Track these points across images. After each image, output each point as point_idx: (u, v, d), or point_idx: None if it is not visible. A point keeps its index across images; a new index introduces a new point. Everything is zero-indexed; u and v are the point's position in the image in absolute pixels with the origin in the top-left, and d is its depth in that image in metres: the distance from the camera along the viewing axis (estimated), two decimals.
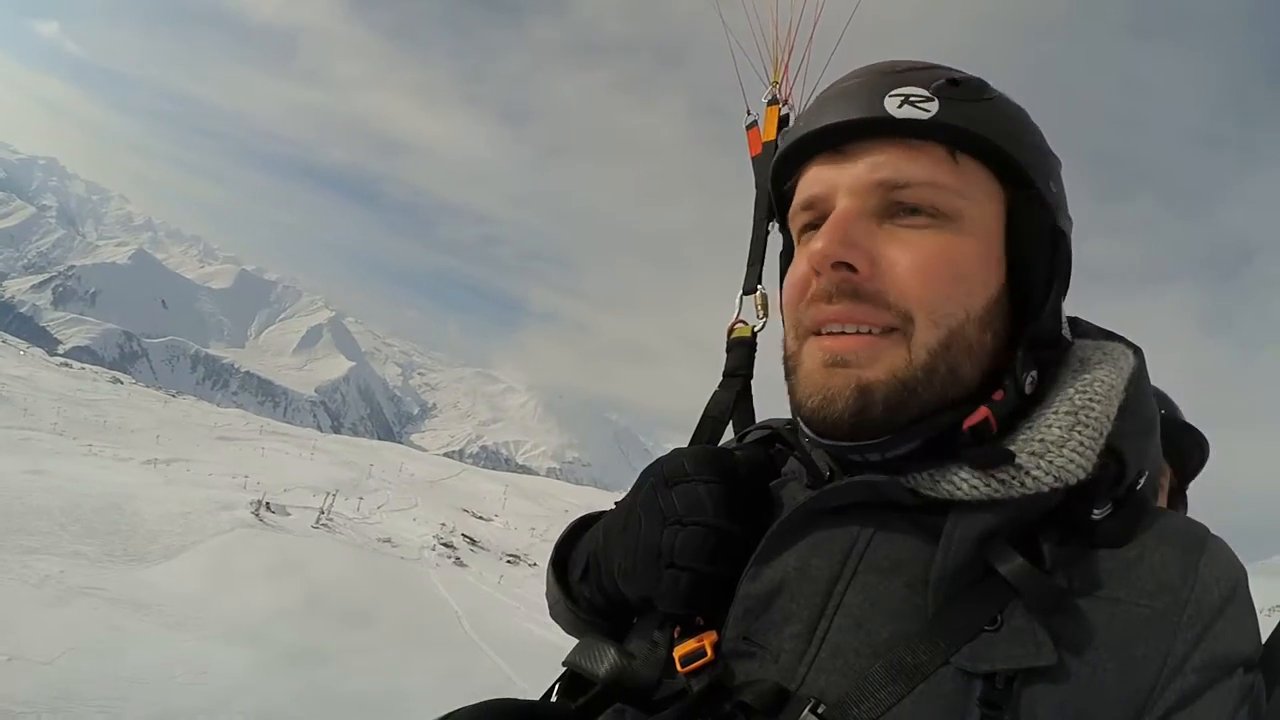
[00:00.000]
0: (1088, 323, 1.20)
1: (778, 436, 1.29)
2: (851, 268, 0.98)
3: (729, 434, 1.50)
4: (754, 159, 1.77)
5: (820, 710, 0.91)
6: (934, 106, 0.99)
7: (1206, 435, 2.44)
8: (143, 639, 15.65)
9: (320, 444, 72.08)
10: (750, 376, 1.58)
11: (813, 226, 1.08)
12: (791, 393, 1.09)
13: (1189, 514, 2.48)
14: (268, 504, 25.77)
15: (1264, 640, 0.96)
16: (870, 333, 0.99)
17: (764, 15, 1.80)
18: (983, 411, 0.99)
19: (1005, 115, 1.04)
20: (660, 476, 1.16)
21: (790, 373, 1.09)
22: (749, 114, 1.80)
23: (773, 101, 1.76)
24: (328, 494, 30.29)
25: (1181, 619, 0.90)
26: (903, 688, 0.90)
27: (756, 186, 1.73)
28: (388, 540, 31.04)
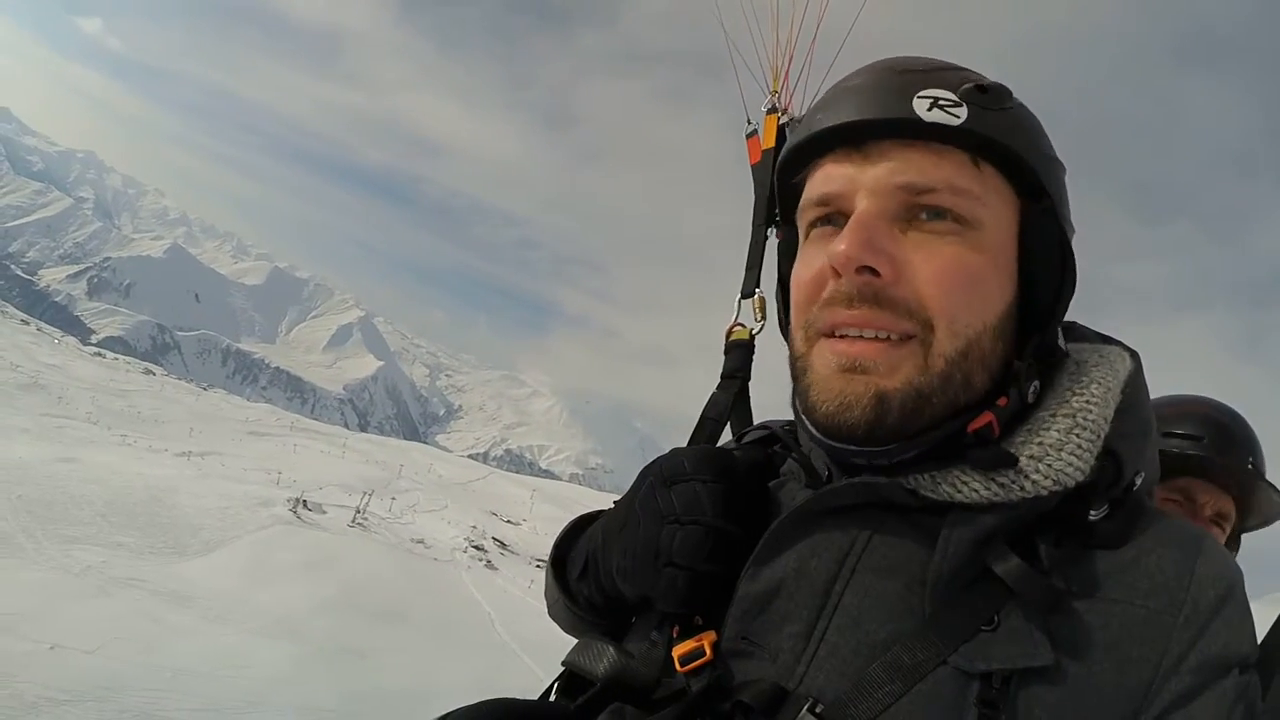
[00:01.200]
0: (1084, 327, 1.21)
1: (776, 437, 1.31)
2: (875, 272, 0.97)
3: (727, 435, 1.53)
4: (754, 167, 1.78)
5: (818, 709, 0.92)
6: (963, 113, 0.98)
7: None
8: (184, 631, 15.72)
9: (350, 443, 72.60)
10: (748, 378, 1.60)
11: (825, 222, 1.07)
12: (801, 395, 1.07)
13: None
14: (304, 501, 25.91)
15: (1260, 641, 0.98)
16: (888, 339, 0.98)
17: (764, 24, 1.81)
18: (987, 416, 1.00)
19: (1025, 125, 1.03)
20: (659, 475, 1.16)
21: (799, 375, 1.08)
22: (749, 123, 1.80)
23: (772, 110, 1.76)
24: (363, 494, 30.41)
25: (1178, 620, 0.91)
26: (900, 687, 0.91)
27: (756, 193, 1.75)
28: (420, 541, 31.15)
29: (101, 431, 41.59)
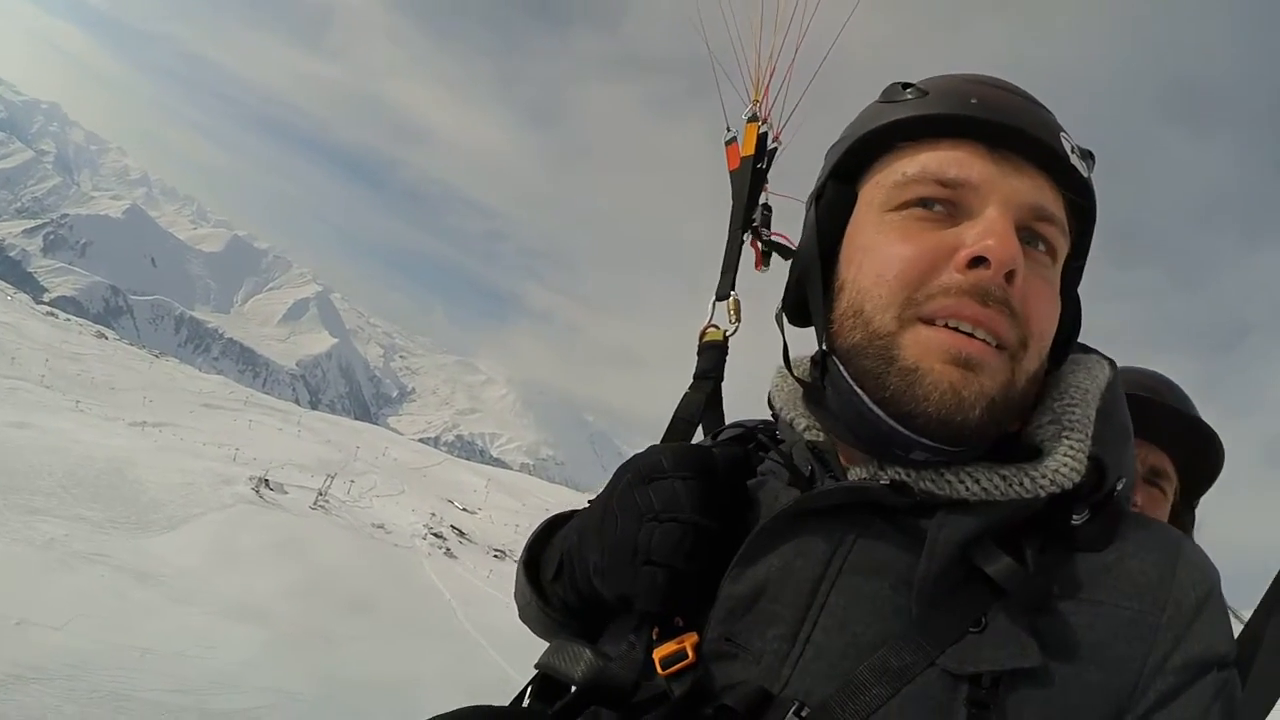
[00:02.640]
0: None
1: (751, 436, 1.33)
2: (1012, 279, 0.98)
3: (700, 436, 1.52)
4: (732, 173, 1.82)
5: (804, 713, 0.91)
6: (1086, 169, 1.06)
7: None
8: (151, 610, 15.49)
9: (305, 421, 71.51)
10: (721, 379, 1.62)
11: (928, 205, 1.05)
12: (878, 376, 1.02)
13: (1204, 537, 2.23)
14: (267, 481, 25.57)
15: (1237, 636, 1.01)
16: (994, 345, 0.99)
17: (746, 35, 1.84)
18: (1018, 424, 1.06)
19: (1094, 192, 1.10)
20: (637, 472, 1.14)
21: (883, 359, 1.02)
22: (729, 130, 1.85)
23: (752, 118, 1.80)
24: (326, 476, 30.11)
25: (1161, 621, 0.92)
26: (888, 690, 0.90)
27: (734, 199, 1.78)
28: (381, 526, 30.87)
29: (55, 396, 40.52)
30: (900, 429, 1.00)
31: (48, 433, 24.23)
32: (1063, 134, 1.05)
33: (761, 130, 1.79)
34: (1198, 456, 2.18)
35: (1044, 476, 0.97)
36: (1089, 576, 0.96)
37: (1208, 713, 0.90)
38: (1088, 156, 1.07)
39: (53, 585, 15.05)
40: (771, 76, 1.79)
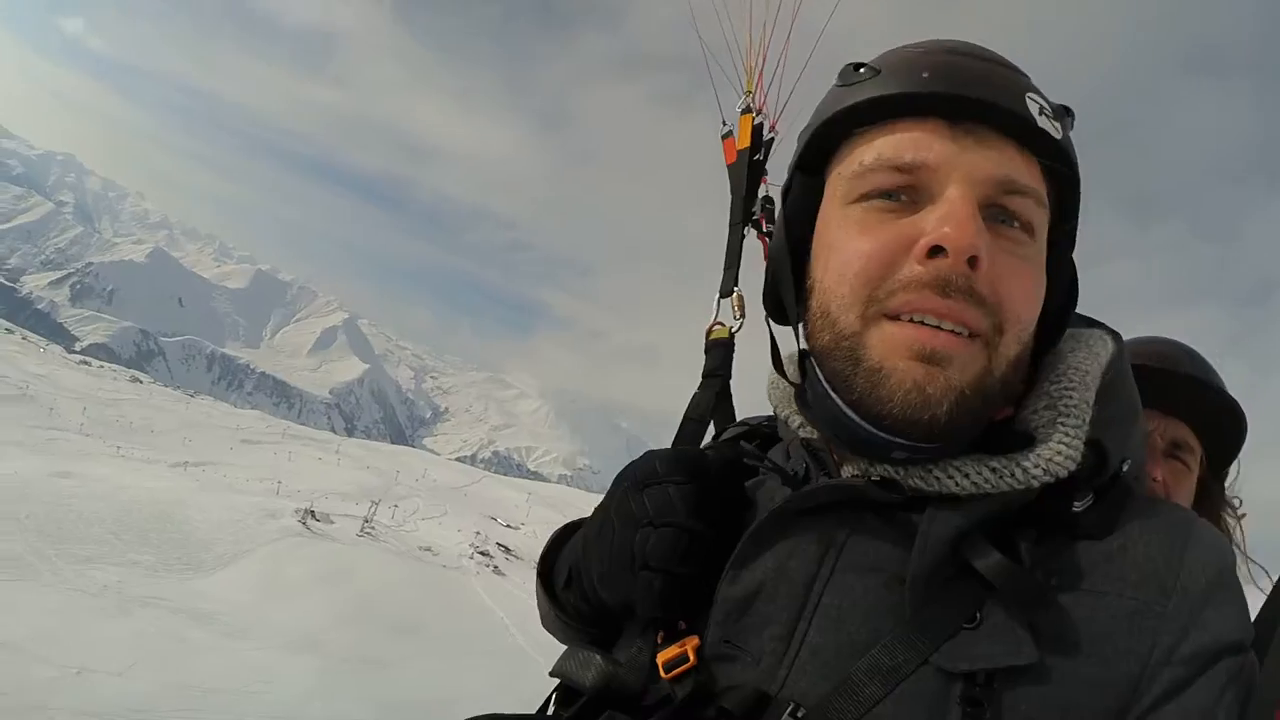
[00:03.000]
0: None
1: (757, 434, 1.32)
2: (976, 264, 0.93)
3: (711, 434, 1.53)
4: (729, 167, 1.79)
5: (800, 714, 0.91)
6: (1059, 127, 0.98)
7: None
8: (208, 648, 15.64)
9: (343, 448, 72.18)
10: (729, 377, 1.61)
11: (889, 195, 1.00)
12: (847, 378, 1.00)
13: (1238, 514, 2.24)
14: (312, 512, 25.80)
15: (1256, 617, 0.97)
16: (964, 334, 0.95)
17: (739, 23, 1.80)
18: (1008, 410, 1.04)
19: (1074, 151, 1.04)
20: (633, 480, 1.15)
21: (850, 360, 0.99)
22: (724, 124, 1.81)
23: (746, 110, 1.75)
24: (370, 502, 30.33)
25: (1167, 609, 0.89)
26: (883, 689, 0.89)
27: (732, 193, 1.75)
28: (428, 549, 31.01)
29: (95, 443, 41.14)
30: (874, 431, 0.99)
31: (92, 480, 24.60)
32: (1030, 95, 0.97)
33: (757, 121, 1.75)
34: (1219, 425, 2.11)
35: (1036, 466, 0.94)
36: (1090, 566, 0.93)
37: (1219, 701, 0.85)
38: (1063, 114, 1.01)
39: (110, 632, 15.23)
40: (764, 64, 1.75)
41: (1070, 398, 0.99)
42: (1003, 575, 0.89)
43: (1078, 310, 1.14)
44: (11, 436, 36.06)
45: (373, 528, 27.63)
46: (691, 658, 1.00)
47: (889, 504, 1.00)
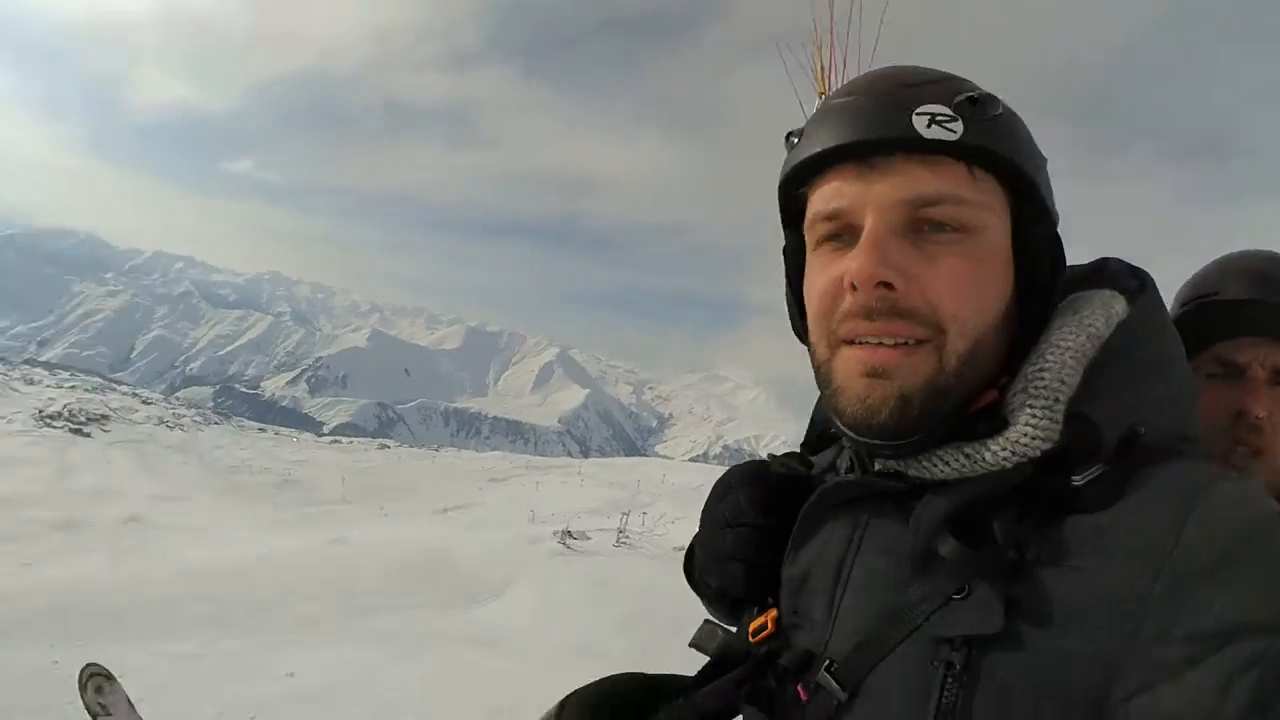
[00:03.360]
0: (1117, 262, 1.23)
1: (834, 439, 1.41)
2: (890, 286, 1.03)
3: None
4: None
5: (833, 669, 1.08)
6: (958, 126, 1.03)
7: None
8: (495, 672, 15.83)
9: (583, 470, 74.17)
10: None
11: (834, 238, 1.11)
12: (829, 401, 1.14)
13: None
14: (569, 532, 26.25)
15: None
16: (905, 344, 1.04)
17: (817, 23, 1.78)
18: (990, 394, 1.09)
19: (1014, 130, 1.09)
20: (715, 491, 1.40)
21: (825, 381, 1.14)
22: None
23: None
24: (621, 514, 30.60)
25: (1153, 590, 0.88)
26: (883, 651, 1.03)
27: None
28: (680, 548, 30.96)
29: (359, 509, 43.99)
30: (855, 436, 1.10)
31: (362, 541, 26.04)
32: (919, 110, 1.04)
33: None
34: None
35: (1003, 450, 1.02)
36: (1078, 541, 0.96)
37: (1227, 689, 0.81)
38: (968, 107, 1.04)
39: (403, 671, 15.67)
40: (832, 56, 1.73)
41: (1041, 379, 1.04)
42: (961, 558, 0.98)
43: (1118, 258, 1.23)
44: (285, 517, 39.26)
45: (627, 537, 27.68)
46: (770, 626, 1.22)
47: (902, 491, 1.10)
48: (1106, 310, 1.11)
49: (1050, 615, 0.92)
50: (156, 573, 21.37)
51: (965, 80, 1.09)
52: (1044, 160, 1.14)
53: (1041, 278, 1.11)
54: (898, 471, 1.11)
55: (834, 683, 1.08)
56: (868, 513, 1.15)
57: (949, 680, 0.95)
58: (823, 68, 1.72)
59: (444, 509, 43.55)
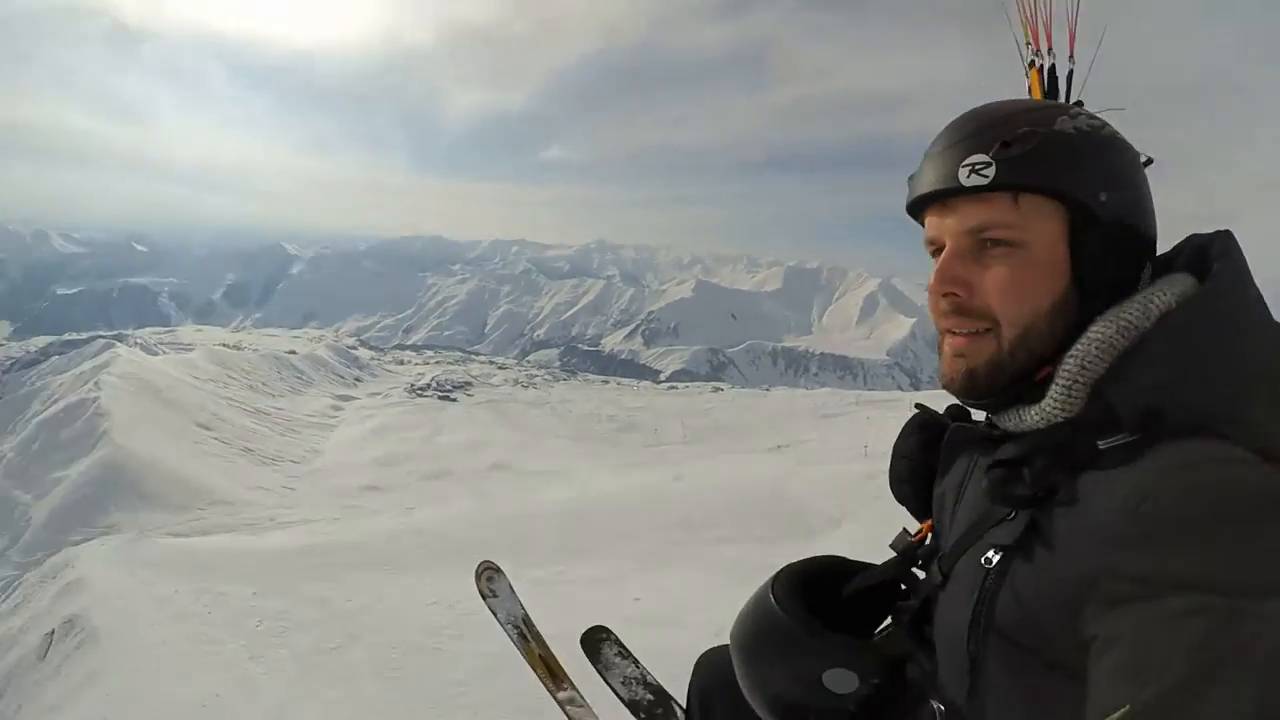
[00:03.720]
0: (1194, 240, 1.37)
1: None
2: (956, 294, 1.35)
3: None
4: None
5: (944, 566, 1.40)
6: (991, 171, 1.29)
7: None
8: None
9: (915, 403, 71.94)
10: None
11: (936, 254, 1.41)
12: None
13: None
14: None
15: None
16: (974, 333, 1.35)
17: None
18: (1046, 370, 1.32)
19: (1053, 153, 1.29)
20: (902, 432, 1.71)
21: (939, 354, 1.46)
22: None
23: (1031, 64, 1.68)
24: None
25: (1117, 531, 1.07)
26: (963, 550, 1.34)
27: None
28: None
29: (697, 447, 45.86)
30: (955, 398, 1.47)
31: (703, 477, 26.91)
32: (964, 164, 1.31)
33: (1046, 64, 1.64)
34: None
35: (1036, 415, 1.30)
36: (1088, 489, 1.16)
37: (1164, 633, 0.95)
38: (1002, 150, 1.28)
39: (741, 597, 16.05)
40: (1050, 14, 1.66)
41: (1067, 364, 1.26)
42: (993, 492, 1.26)
43: (1198, 235, 1.37)
44: (631, 458, 41.91)
45: None
46: (925, 532, 1.60)
47: (992, 439, 1.41)
48: (1145, 305, 1.26)
49: (1054, 541, 1.16)
50: (518, 510, 23.60)
51: (1033, 113, 1.33)
52: (1116, 163, 1.31)
53: (1102, 272, 1.30)
54: (991, 422, 1.43)
55: (938, 570, 1.43)
56: (978, 452, 1.46)
57: (988, 576, 1.24)
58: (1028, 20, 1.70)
59: (777, 446, 44.02)
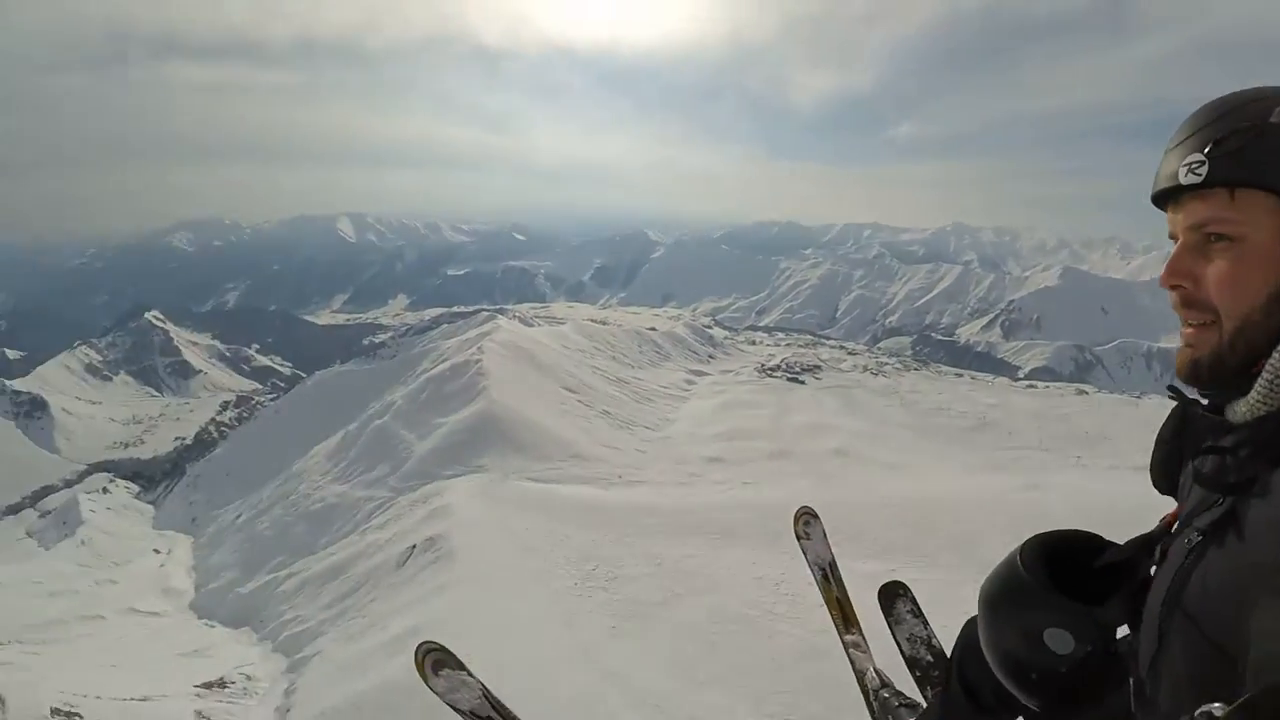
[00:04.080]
0: None
1: None
2: (1182, 287, 1.39)
3: None
4: None
5: (1164, 546, 1.45)
6: (1204, 170, 1.32)
7: None
8: None
9: None
10: None
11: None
12: None
13: None
14: None
15: None
16: (1201, 325, 1.37)
17: None
18: (1261, 363, 1.32)
19: (1267, 146, 1.30)
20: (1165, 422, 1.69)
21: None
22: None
23: None
24: None
25: None
26: (1178, 533, 1.40)
27: None
28: None
29: (1053, 456, 42.35)
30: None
31: (1056, 489, 24.97)
32: (1184, 164, 1.36)
33: None
34: None
35: (1243, 408, 1.33)
36: (1277, 484, 1.20)
37: None
38: (1216, 148, 1.32)
39: None
40: None
41: (1274, 359, 1.28)
42: (1200, 475, 1.35)
43: None
44: (981, 459, 39.61)
45: None
46: (1172, 516, 1.54)
47: (1220, 428, 1.40)
48: None
49: (1244, 530, 1.20)
50: (856, 499, 23.33)
51: (1257, 104, 1.33)
52: None
53: None
54: (1220, 411, 1.42)
55: (1160, 550, 1.47)
56: (1214, 439, 1.41)
57: (1189, 555, 1.30)
58: None
59: (1146, 465, 39.28)
